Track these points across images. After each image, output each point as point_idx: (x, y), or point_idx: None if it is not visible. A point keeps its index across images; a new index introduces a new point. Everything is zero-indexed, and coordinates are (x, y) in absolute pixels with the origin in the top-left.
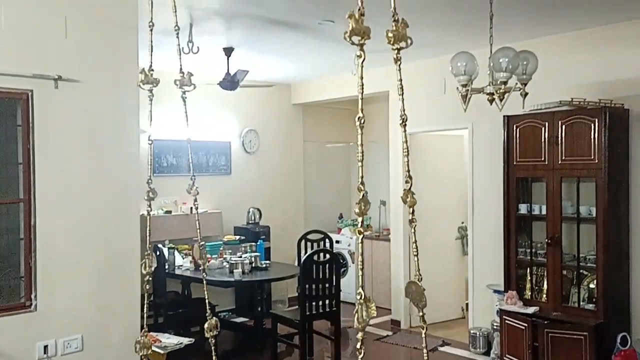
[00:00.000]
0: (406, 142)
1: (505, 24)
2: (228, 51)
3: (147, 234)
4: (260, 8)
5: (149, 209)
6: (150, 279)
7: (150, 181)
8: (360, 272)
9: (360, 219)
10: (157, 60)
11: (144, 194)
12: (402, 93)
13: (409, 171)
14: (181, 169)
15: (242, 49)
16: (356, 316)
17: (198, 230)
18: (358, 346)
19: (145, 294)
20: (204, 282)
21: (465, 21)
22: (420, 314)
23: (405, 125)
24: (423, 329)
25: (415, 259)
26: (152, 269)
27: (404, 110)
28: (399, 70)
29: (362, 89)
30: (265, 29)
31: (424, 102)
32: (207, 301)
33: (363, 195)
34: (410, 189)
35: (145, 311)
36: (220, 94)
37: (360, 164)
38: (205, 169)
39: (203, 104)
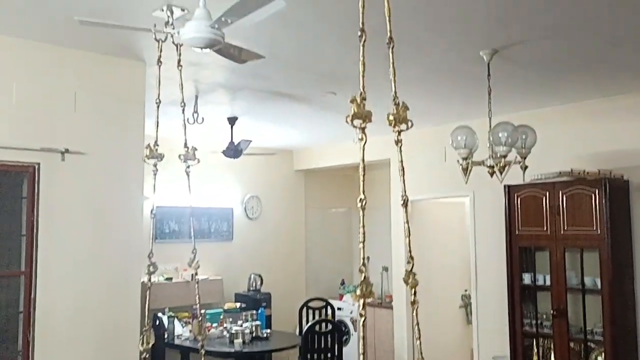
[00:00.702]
0: (407, 222)
1: (504, 95)
2: (232, 120)
3: (147, 308)
4: (264, 81)
5: (149, 283)
6: (148, 355)
7: (151, 255)
8: (362, 351)
9: (361, 302)
10: (162, 129)
11: (145, 263)
12: (403, 174)
13: (410, 251)
14: (183, 235)
15: (245, 118)
16: None
17: (197, 306)
18: None
19: None
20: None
21: (464, 92)
22: None
23: (407, 206)
24: None
25: (418, 342)
26: (150, 345)
27: (405, 191)
28: (400, 151)
29: (364, 171)
30: (268, 100)
31: (424, 170)
32: None
33: (365, 278)
34: (412, 269)
35: None
36: (224, 161)
37: (362, 244)
38: (207, 235)
39: (206, 170)
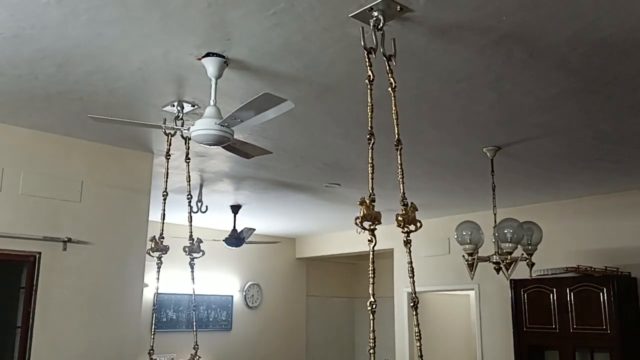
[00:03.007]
0: (417, 325)
1: (507, 189)
2: (235, 209)
3: None
4: (268, 172)
5: None
6: None
7: (152, 352)
8: None
9: None
10: (167, 217)
11: (142, 355)
12: (413, 276)
13: (421, 356)
14: (181, 324)
15: (249, 206)
16: None
17: None
18: None
19: None
20: None
21: (468, 186)
22: None
23: (417, 307)
24: None
25: None
26: None
27: (415, 293)
28: (409, 252)
29: (374, 274)
30: (272, 189)
31: (428, 261)
32: None
33: None
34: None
35: None
36: (225, 248)
37: (371, 351)
38: (206, 324)
39: (206, 258)
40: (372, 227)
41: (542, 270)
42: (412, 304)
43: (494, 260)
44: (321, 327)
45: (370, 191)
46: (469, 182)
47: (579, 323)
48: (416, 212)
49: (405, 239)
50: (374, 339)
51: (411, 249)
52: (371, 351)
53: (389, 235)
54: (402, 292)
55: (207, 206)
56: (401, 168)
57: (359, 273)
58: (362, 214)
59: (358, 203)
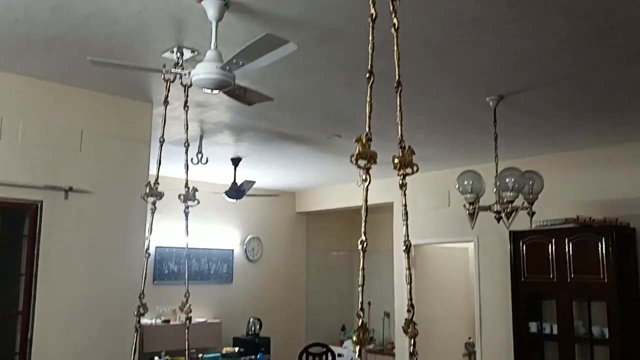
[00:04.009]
0: (409, 268)
1: (508, 142)
2: (235, 161)
3: (132, 354)
4: (269, 123)
5: (138, 325)
6: None
7: (142, 296)
8: None
9: (357, 348)
10: (167, 170)
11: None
12: (407, 219)
13: (411, 299)
14: (182, 276)
15: (249, 159)
16: None
17: (186, 352)
18: None
19: None
20: None
21: (470, 138)
22: None
23: (409, 251)
24: None
25: None
26: None
27: (407, 236)
28: (404, 195)
29: (366, 212)
30: (273, 141)
31: (428, 214)
32: None
33: (362, 323)
34: (412, 319)
35: None
36: (225, 202)
37: (360, 287)
38: (207, 277)
39: (207, 211)
40: (367, 165)
41: (542, 221)
42: (404, 248)
43: (495, 210)
44: (321, 279)
45: (367, 130)
46: (471, 134)
47: (576, 273)
48: (413, 156)
49: (400, 182)
50: (363, 276)
51: (406, 192)
52: (359, 289)
53: (388, 188)
54: (401, 245)
55: (207, 158)
56: (400, 110)
57: (359, 227)
58: (357, 151)
59: (354, 140)
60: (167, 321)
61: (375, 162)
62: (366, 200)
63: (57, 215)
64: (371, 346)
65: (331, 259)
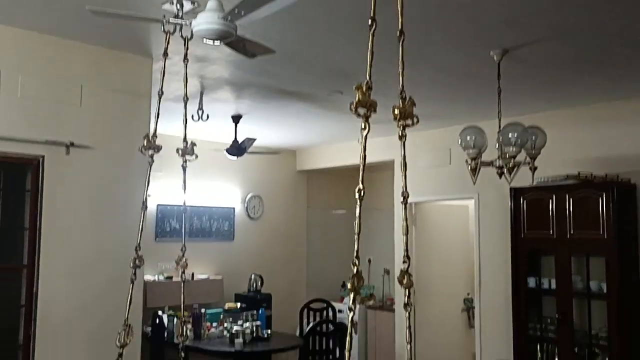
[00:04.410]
0: (406, 220)
1: (510, 99)
2: (236, 119)
3: (127, 304)
4: (270, 79)
5: (134, 277)
6: (123, 352)
7: (138, 248)
8: (348, 348)
9: (351, 296)
10: (168, 128)
11: (148, 260)
12: (405, 170)
13: (407, 250)
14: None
15: (250, 116)
16: None
17: (182, 306)
18: None
19: None
20: None
21: (471, 96)
22: None
23: (407, 203)
24: None
25: (408, 347)
26: (128, 342)
27: (405, 188)
28: (403, 147)
29: (365, 160)
30: (274, 98)
31: (428, 172)
32: None
33: (357, 271)
34: (407, 270)
35: None
36: (226, 160)
37: (357, 236)
38: (209, 234)
39: (208, 169)
40: (366, 114)
41: (543, 177)
42: (402, 200)
43: (497, 165)
44: (322, 237)
45: (368, 78)
46: (474, 91)
47: (576, 228)
48: (414, 108)
49: (400, 133)
50: (360, 225)
51: (406, 146)
52: (356, 236)
53: (389, 146)
54: (400, 205)
55: (207, 114)
56: (402, 60)
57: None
58: (357, 99)
59: (354, 88)
60: (170, 277)
61: (375, 111)
62: (364, 149)
63: (59, 171)
64: (371, 302)
65: (332, 217)
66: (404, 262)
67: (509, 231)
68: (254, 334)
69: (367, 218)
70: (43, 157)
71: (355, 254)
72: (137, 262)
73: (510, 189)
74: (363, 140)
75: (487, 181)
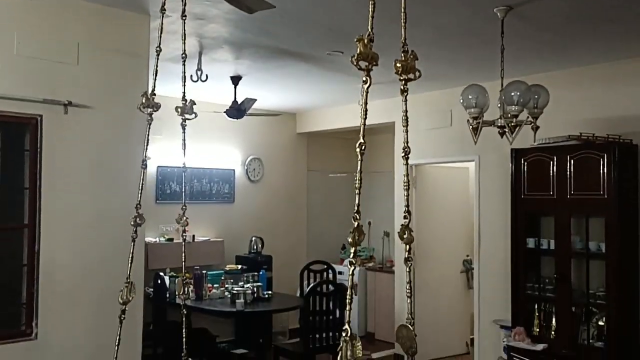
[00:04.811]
0: (407, 175)
1: (513, 59)
2: (236, 80)
3: (129, 261)
4: (269, 38)
5: (135, 235)
6: (126, 309)
7: (139, 206)
8: (348, 307)
9: (352, 249)
10: (167, 89)
11: (149, 220)
12: (407, 125)
13: (408, 206)
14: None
15: (249, 77)
16: (340, 355)
17: (183, 263)
18: None
19: (137, 325)
20: (182, 318)
21: (473, 56)
22: None
23: (408, 157)
24: None
25: (408, 300)
26: (130, 299)
27: (407, 143)
28: (405, 101)
29: (366, 114)
30: (273, 59)
31: (429, 134)
32: (184, 343)
33: (358, 225)
34: (408, 225)
35: (115, 345)
36: (226, 122)
37: (357, 191)
38: (209, 196)
39: (208, 131)
40: (368, 67)
41: (544, 138)
42: (403, 154)
43: (499, 124)
44: (322, 201)
45: (370, 29)
46: (477, 50)
47: (576, 189)
48: (416, 62)
49: (402, 88)
50: (361, 179)
51: (407, 97)
52: (357, 191)
53: (389, 108)
54: (402, 166)
55: (207, 75)
56: (404, 11)
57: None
58: (358, 51)
59: (355, 40)
60: (171, 239)
61: (376, 64)
62: (366, 103)
63: (57, 130)
64: (371, 264)
65: (332, 180)
66: (404, 217)
67: (509, 193)
68: (255, 295)
69: (367, 181)
70: (41, 116)
71: (356, 209)
72: (137, 220)
73: (511, 150)
74: (364, 94)
75: (488, 143)
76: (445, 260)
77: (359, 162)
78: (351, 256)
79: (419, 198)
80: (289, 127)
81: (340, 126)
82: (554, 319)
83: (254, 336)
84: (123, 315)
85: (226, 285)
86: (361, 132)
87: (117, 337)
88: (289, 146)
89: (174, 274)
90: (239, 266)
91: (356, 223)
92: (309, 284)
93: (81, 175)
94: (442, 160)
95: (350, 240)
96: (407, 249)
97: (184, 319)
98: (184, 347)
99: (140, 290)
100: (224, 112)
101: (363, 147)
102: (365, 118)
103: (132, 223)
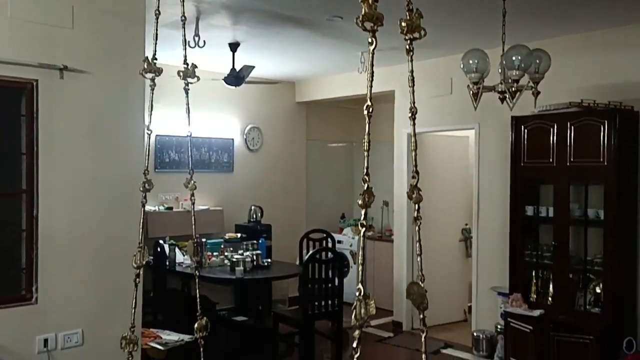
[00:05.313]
0: (414, 135)
1: (514, 25)
2: (234, 46)
3: (141, 226)
4: (268, 3)
5: (144, 200)
6: (141, 272)
7: (146, 172)
8: (360, 267)
9: (363, 211)
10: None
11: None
12: (413, 85)
13: (416, 166)
14: (183, 165)
15: (247, 44)
16: (354, 313)
17: (193, 226)
18: (354, 345)
19: (138, 290)
20: (196, 280)
21: (474, 22)
22: (422, 316)
23: (414, 118)
24: (423, 333)
25: (419, 258)
26: (144, 263)
27: (413, 103)
28: (411, 61)
29: (372, 76)
30: (272, 24)
31: (429, 102)
32: (198, 301)
33: (368, 187)
34: (416, 184)
35: (132, 307)
36: (224, 91)
37: (366, 153)
38: (208, 165)
39: (207, 100)
40: (373, 28)
41: (545, 106)
42: (410, 115)
43: (500, 90)
44: (321, 170)
45: None
46: (478, 14)
47: (576, 157)
48: (421, 20)
49: (407, 47)
50: (369, 142)
51: (413, 57)
52: (366, 153)
53: (390, 76)
54: (401, 134)
55: (204, 41)
56: None
57: (360, 118)
58: (363, 12)
59: (360, 0)
60: (170, 208)
61: (382, 24)
62: (372, 65)
63: (53, 95)
64: (370, 233)
65: (331, 150)
66: (412, 177)
67: (509, 161)
68: (254, 263)
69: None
70: (37, 81)
71: (365, 171)
72: (146, 185)
73: (512, 117)
74: (370, 56)
75: (488, 111)
76: (445, 229)
77: (367, 124)
78: (362, 218)
79: (418, 167)
80: (288, 96)
81: (340, 95)
82: (551, 286)
83: (253, 304)
84: (138, 279)
85: (226, 254)
86: (368, 94)
87: (133, 300)
88: (288, 115)
89: (174, 242)
90: (239, 235)
91: (366, 185)
92: (308, 253)
93: (79, 141)
94: (442, 128)
95: (360, 202)
96: (416, 208)
97: (197, 279)
98: (198, 307)
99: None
100: (223, 79)
101: (370, 110)
102: (372, 80)
103: (140, 189)
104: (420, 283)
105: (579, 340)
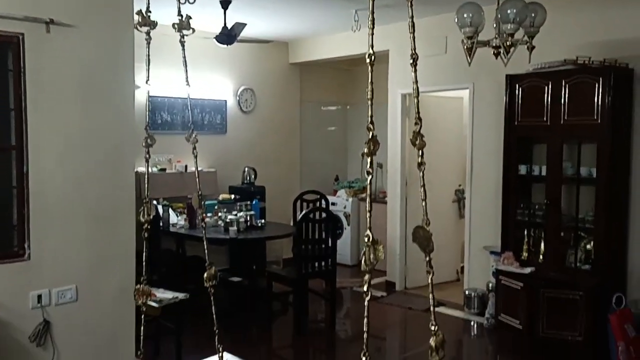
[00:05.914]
0: (416, 82)
1: None
2: (225, 4)
3: (146, 183)
4: None
5: (148, 156)
6: (149, 227)
7: (148, 127)
8: (368, 215)
9: (369, 159)
10: (153, 13)
11: (138, 146)
12: (414, 31)
13: (418, 112)
14: (175, 126)
15: (239, 3)
16: (363, 258)
17: (197, 179)
18: (365, 288)
19: (145, 241)
20: (204, 232)
21: None
22: (427, 258)
23: (416, 64)
24: (429, 274)
25: (423, 203)
26: (151, 217)
27: (414, 50)
28: (411, 7)
29: (373, 24)
30: None
31: (423, 62)
32: (206, 252)
33: (372, 135)
34: (419, 131)
35: (140, 262)
36: (217, 51)
37: (369, 102)
38: (201, 127)
39: (199, 61)
40: None
41: (540, 63)
42: (411, 61)
43: (494, 45)
44: (315, 132)
45: None
46: None
47: (570, 115)
48: None
49: None
50: (372, 91)
51: (401, 22)
52: (369, 102)
53: (383, 36)
54: (396, 95)
55: None
56: None
57: (354, 79)
58: None
59: None
60: (163, 169)
61: None
62: (373, 12)
63: (40, 50)
64: (364, 195)
65: (325, 112)
66: (415, 123)
67: (503, 121)
68: (248, 223)
69: (360, 112)
70: (23, 34)
71: (369, 120)
72: (148, 141)
73: (506, 76)
74: (370, 4)
75: (482, 70)
76: (438, 190)
77: (369, 73)
78: (368, 166)
79: (412, 128)
80: (281, 57)
81: (334, 55)
82: (542, 244)
83: (247, 264)
84: (146, 233)
85: (219, 214)
86: (369, 42)
87: (145, 254)
88: (281, 77)
89: (167, 203)
90: (232, 196)
91: (371, 133)
92: (302, 213)
93: (68, 97)
94: (437, 88)
95: (366, 150)
96: (420, 154)
97: (204, 232)
98: (206, 256)
99: (132, 219)
100: (214, 37)
101: (372, 58)
102: (373, 27)
103: (143, 144)
104: (425, 227)
105: (569, 297)
